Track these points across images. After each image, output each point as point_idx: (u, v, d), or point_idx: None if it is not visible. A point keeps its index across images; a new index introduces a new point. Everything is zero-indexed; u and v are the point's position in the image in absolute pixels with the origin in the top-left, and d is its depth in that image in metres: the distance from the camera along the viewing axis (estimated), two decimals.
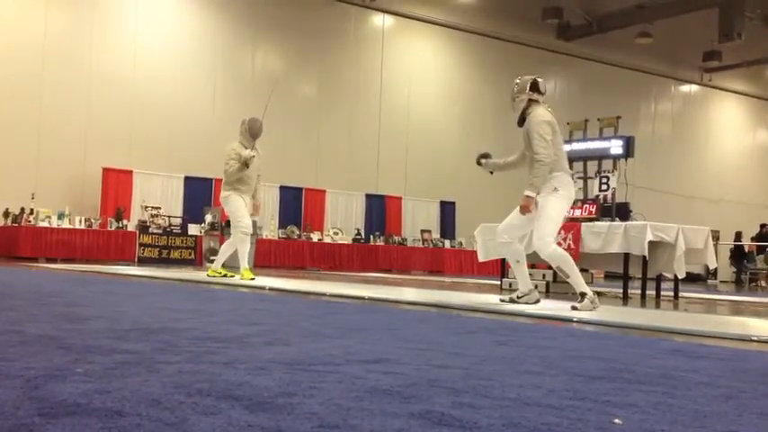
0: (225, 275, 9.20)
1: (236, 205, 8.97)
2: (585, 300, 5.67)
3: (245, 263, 8.99)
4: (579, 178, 10.03)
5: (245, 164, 8.77)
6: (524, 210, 5.89)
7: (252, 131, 8.94)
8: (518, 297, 6.19)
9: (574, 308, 5.63)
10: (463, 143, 22.60)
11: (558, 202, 5.86)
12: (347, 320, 4.45)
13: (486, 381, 2.29)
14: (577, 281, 5.80)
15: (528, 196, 5.84)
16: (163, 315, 4.19)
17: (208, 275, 9.36)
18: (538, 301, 6.19)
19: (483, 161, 6.59)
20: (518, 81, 6.16)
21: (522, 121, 6.07)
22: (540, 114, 5.94)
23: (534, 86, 6.06)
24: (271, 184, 19.14)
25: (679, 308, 7.71)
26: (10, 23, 16.75)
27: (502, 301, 6.30)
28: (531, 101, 6.04)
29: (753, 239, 22.47)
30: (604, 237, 8.68)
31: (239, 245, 9.01)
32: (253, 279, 8.77)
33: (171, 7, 18.86)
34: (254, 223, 16.77)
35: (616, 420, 1.80)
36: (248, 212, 9.09)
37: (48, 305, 4.59)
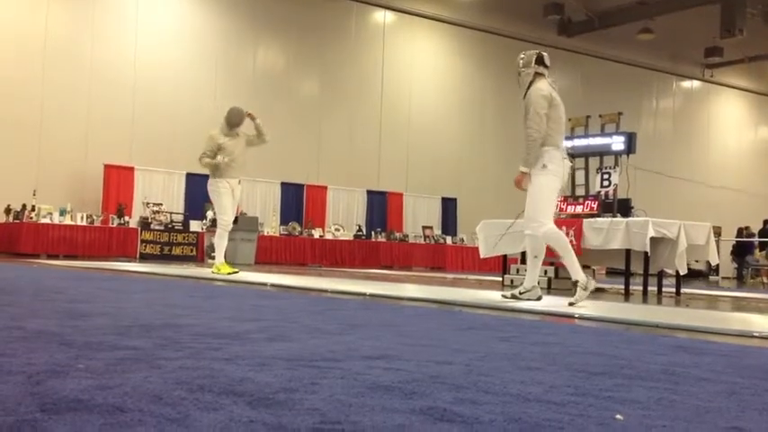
0: (230, 273, 9.24)
1: (222, 198, 9.24)
2: (578, 290, 5.63)
3: (221, 257, 9.24)
4: (579, 169, 10.03)
5: (217, 166, 9.02)
6: (517, 184, 5.89)
7: (229, 122, 9.19)
8: (520, 293, 6.15)
9: (570, 303, 5.61)
10: (464, 139, 22.63)
11: (546, 180, 5.80)
12: (348, 316, 4.45)
13: (487, 377, 2.29)
14: (572, 265, 5.75)
15: (522, 172, 5.82)
16: (164, 311, 4.20)
17: (212, 272, 9.41)
18: (540, 298, 6.16)
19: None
20: (523, 56, 6.13)
21: (526, 94, 6.01)
22: (540, 88, 5.90)
23: (540, 60, 6.03)
24: (272, 180, 19.17)
25: (681, 304, 7.70)
26: (12, 21, 16.76)
27: (504, 297, 6.27)
28: (537, 74, 5.99)
29: (748, 235, 22.45)
30: (606, 233, 8.67)
31: (217, 240, 9.25)
32: (230, 273, 8.95)
33: (172, 4, 18.85)
34: (256, 219, 16.87)
35: (617, 416, 1.80)
36: (237, 201, 9.36)
37: (49, 301, 4.60)
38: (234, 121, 9.19)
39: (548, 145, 5.81)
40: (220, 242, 9.38)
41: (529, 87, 5.98)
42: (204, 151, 9.15)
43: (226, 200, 9.21)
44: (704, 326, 4.53)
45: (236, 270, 9.23)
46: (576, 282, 5.68)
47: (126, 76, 17.82)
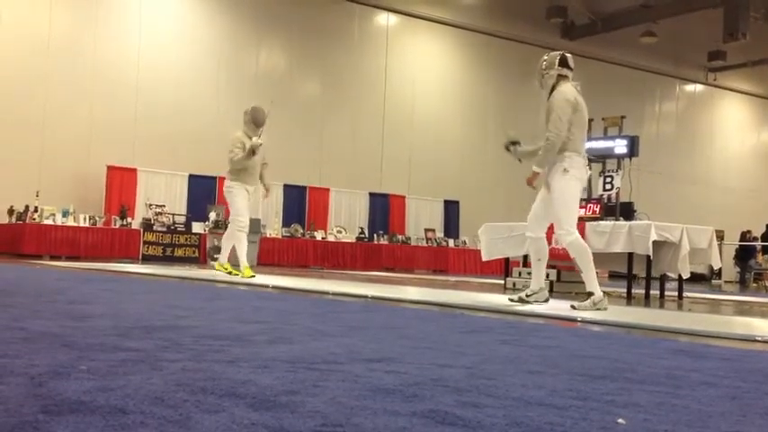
0: (230, 273, 9.22)
1: (238, 199, 9.00)
2: (588, 301, 5.62)
3: (244, 260, 9.05)
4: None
5: (252, 152, 8.77)
6: (528, 183, 5.83)
7: (255, 121, 8.94)
8: (527, 296, 6.09)
9: (573, 307, 5.59)
10: (467, 142, 22.63)
11: (568, 186, 5.73)
12: (350, 319, 4.45)
13: (489, 380, 2.29)
14: (590, 278, 5.72)
15: (534, 172, 5.71)
16: (166, 313, 4.20)
17: (215, 269, 9.42)
18: (547, 300, 6.12)
19: (512, 148, 6.25)
20: (546, 57, 5.99)
21: (550, 96, 5.89)
22: (565, 92, 5.78)
23: (563, 62, 5.90)
24: (274, 182, 19.07)
25: (683, 308, 7.69)
26: (15, 22, 16.79)
27: (511, 300, 6.18)
28: (560, 76, 5.88)
29: (751, 238, 22.43)
30: (608, 236, 8.65)
31: (237, 243, 9.09)
32: (253, 277, 8.80)
33: (175, 5, 18.88)
34: (258, 221, 16.87)
35: (619, 420, 1.79)
36: (250, 205, 9.16)
37: (51, 302, 4.60)
38: (260, 119, 8.87)
39: (569, 150, 5.72)
40: (231, 242, 9.16)
41: (552, 90, 5.87)
42: (232, 149, 8.81)
43: (241, 201, 8.98)
44: (706, 330, 4.52)
45: (237, 273, 9.20)
46: (591, 293, 5.66)
47: (129, 76, 17.84)
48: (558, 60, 5.92)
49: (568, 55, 6.01)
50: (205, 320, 3.83)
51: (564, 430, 1.67)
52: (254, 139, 8.80)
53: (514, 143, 6.24)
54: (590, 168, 6.29)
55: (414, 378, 2.26)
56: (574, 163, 5.75)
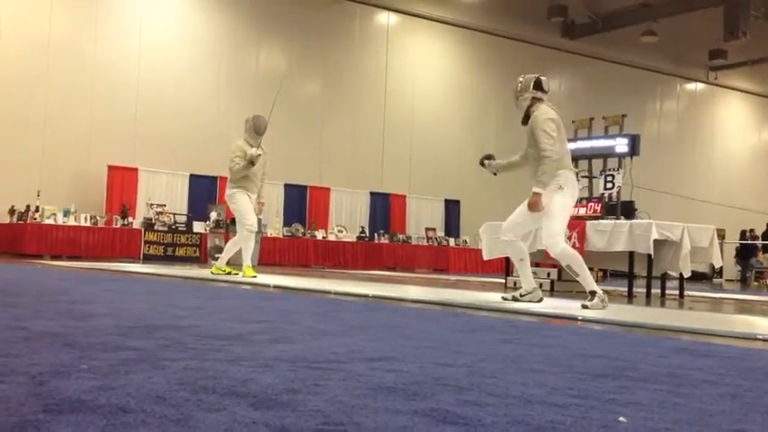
0: (229, 273, 9.21)
1: (241, 203, 8.97)
2: (596, 298, 5.65)
3: (248, 260, 9.01)
4: (584, 177, 10.00)
5: (251, 162, 8.81)
6: (534, 207, 5.80)
7: (257, 129, 8.96)
8: (521, 295, 6.16)
9: (584, 306, 5.61)
10: (468, 141, 22.64)
11: (563, 200, 5.83)
12: (351, 318, 4.45)
13: (490, 378, 2.29)
14: (587, 279, 5.77)
15: (536, 193, 5.78)
16: (167, 312, 4.20)
17: (212, 273, 9.38)
18: (541, 300, 6.17)
19: (486, 162, 6.52)
20: (521, 80, 6.12)
21: (526, 119, 6.03)
22: (545, 111, 5.91)
23: (538, 85, 6.02)
24: (275, 182, 19.14)
25: (684, 306, 7.69)
26: (15, 22, 16.79)
27: (504, 299, 6.27)
28: (534, 99, 6.00)
29: (752, 237, 22.44)
30: (609, 235, 8.65)
31: (244, 242, 9.03)
32: (255, 277, 8.79)
33: (175, 5, 18.88)
34: (260, 221, 16.87)
35: (621, 419, 1.80)
36: (253, 210, 9.09)
37: (53, 302, 4.60)
38: (261, 127, 8.92)
39: (562, 168, 5.83)
40: (237, 247, 9.09)
41: (528, 112, 5.97)
42: (232, 159, 8.85)
43: (245, 204, 8.88)
44: (707, 328, 4.52)
45: (237, 272, 9.18)
46: (594, 292, 5.69)
47: (129, 76, 17.84)
48: (532, 84, 6.03)
49: (543, 78, 6.11)
50: (206, 320, 3.83)
51: (565, 429, 1.67)
52: (253, 150, 8.84)
53: (488, 157, 6.51)
54: (583, 178, 6.38)
55: (415, 377, 2.26)
56: (569, 181, 5.88)
